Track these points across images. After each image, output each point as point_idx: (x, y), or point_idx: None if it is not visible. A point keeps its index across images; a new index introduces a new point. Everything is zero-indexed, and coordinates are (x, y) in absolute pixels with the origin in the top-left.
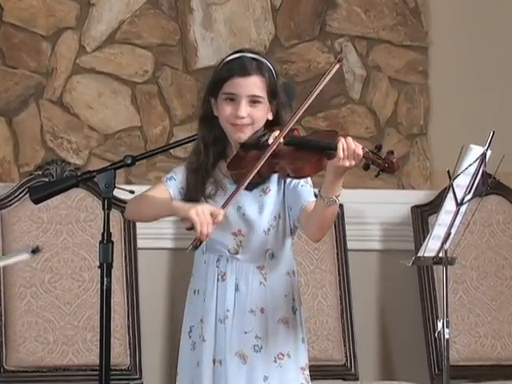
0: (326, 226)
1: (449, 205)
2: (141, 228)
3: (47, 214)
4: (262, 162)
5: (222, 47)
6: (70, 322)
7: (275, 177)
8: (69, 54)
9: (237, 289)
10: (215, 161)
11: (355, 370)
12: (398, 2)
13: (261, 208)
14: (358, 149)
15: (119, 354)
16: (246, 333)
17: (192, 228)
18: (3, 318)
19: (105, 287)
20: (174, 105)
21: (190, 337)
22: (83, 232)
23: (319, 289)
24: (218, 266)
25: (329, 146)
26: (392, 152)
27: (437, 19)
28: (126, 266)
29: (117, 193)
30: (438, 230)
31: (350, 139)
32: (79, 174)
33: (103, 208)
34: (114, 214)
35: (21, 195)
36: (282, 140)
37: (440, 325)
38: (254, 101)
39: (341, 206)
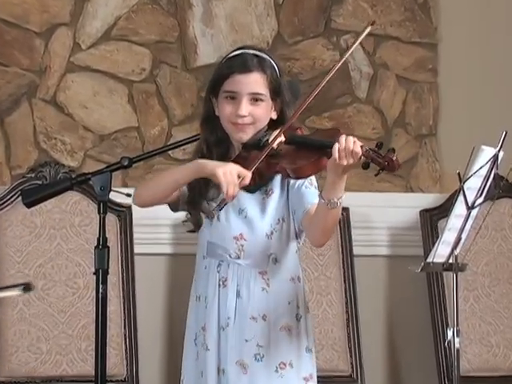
0: (329, 231)
1: (459, 208)
2: (138, 233)
3: (40, 218)
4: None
5: (222, 44)
6: (64, 330)
7: (278, 178)
8: (63, 51)
9: (238, 295)
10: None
11: (362, 382)
12: None
13: (263, 211)
14: (356, 146)
15: (115, 365)
16: (246, 341)
17: (193, 231)
18: None
19: (100, 295)
20: (172, 104)
21: (195, 344)
22: (78, 237)
23: (324, 296)
24: (219, 272)
25: (327, 145)
26: (393, 150)
27: (447, 14)
28: (122, 273)
29: (113, 196)
30: (448, 235)
31: (349, 137)
32: (74, 176)
33: (99, 212)
34: (110, 219)
35: (13, 198)
36: (283, 138)
37: (450, 334)
38: (255, 99)
39: (346, 209)
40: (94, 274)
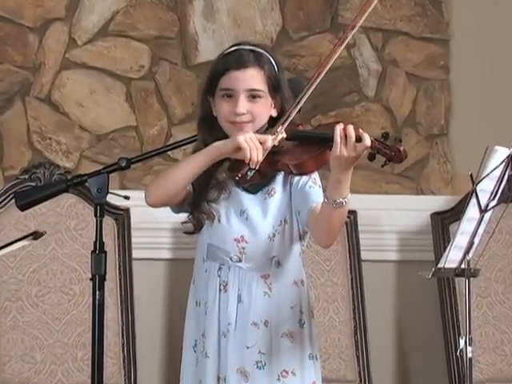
0: (335, 231)
1: (472, 211)
2: (136, 237)
3: (34, 222)
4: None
5: (224, 40)
6: (59, 339)
7: (280, 178)
8: (58, 47)
9: (239, 300)
10: (217, 164)
11: None
12: None
13: (265, 212)
14: (365, 138)
15: (113, 374)
16: (248, 348)
17: (193, 232)
18: None
19: (97, 301)
20: (172, 103)
21: (194, 351)
22: (73, 241)
23: (330, 303)
24: (219, 276)
25: (329, 137)
26: (400, 140)
27: (459, 9)
28: (120, 279)
29: (110, 198)
30: (460, 239)
31: (349, 126)
32: (69, 178)
33: (95, 215)
34: (107, 222)
35: (5, 201)
36: (284, 135)
37: (462, 342)
38: (253, 95)
39: (354, 213)
40: (91, 279)
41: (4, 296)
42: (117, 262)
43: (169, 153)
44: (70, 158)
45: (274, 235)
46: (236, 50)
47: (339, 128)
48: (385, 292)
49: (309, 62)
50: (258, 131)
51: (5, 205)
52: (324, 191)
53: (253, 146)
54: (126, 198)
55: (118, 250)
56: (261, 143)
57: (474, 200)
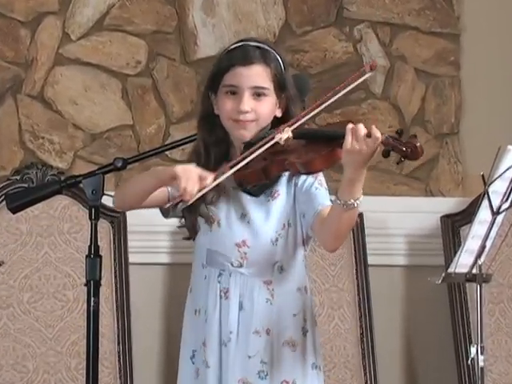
0: (343, 234)
1: (483, 214)
2: (133, 240)
3: (26, 225)
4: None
5: (225, 34)
6: (53, 347)
7: (284, 180)
8: (51, 42)
9: (241, 307)
10: (217, 163)
11: None
12: None
13: (268, 215)
14: (375, 131)
15: None
16: (250, 357)
17: (189, 238)
18: None
19: (92, 308)
20: (170, 100)
21: (193, 363)
22: (67, 245)
23: (336, 310)
24: (219, 282)
25: (340, 134)
26: (415, 136)
27: (470, 2)
28: (115, 284)
29: (105, 200)
30: (472, 243)
31: (359, 123)
32: (63, 179)
33: (90, 218)
34: (103, 225)
35: None
36: (290, 135)
37: (474, 351)
38: (258, 93)
39: (360, 215)
40: (85, 285)
41: None
42: (112, 266)
43: (167, 153)
44: (64, 158)
45: (276, 239)
46: (242, 45)
47: (351, 124)
48: (392, 298)
49: (313, 58)
50: (261, 131)
51: None
52: (332, 193)
53: (189, 177)
54: None
55: (114, 255)
56: (201, 179)
57: (485, 202)
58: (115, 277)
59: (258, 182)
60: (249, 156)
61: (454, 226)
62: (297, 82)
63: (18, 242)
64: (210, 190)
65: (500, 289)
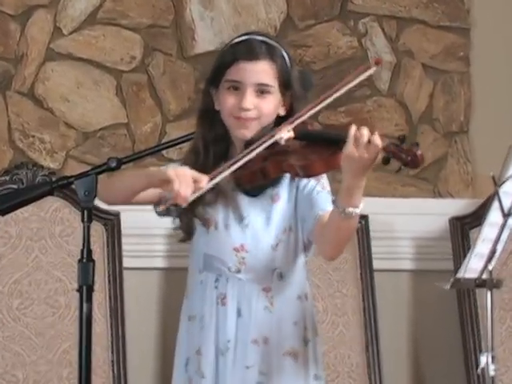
0: (342, 243)
1: (494, 216)
2: (127, 244)
3: (16, 228)
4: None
5: (224, 29)
6: (43, 355)
7: (286, 182)
8: (41, 36)
9: (239, 314)
10: (216, 163)
11: None
12: None
13: (268, 219)
14: (376, 137)
15: None
16: (248, 368)
17: (184, 240)
18: None
19: (84, 314)
20: (166, 97)
21: (186, 371)
22: (59, 249)
23: (340, 316)
24: (216, 288)
25: (342, 138)
26: (417, 144)
27: None
28: (109, 290)
29: (98, 202)
30: (482, 247)
31: (363, 127)
32: (54, 179)
33: (82, 220)
34: (96, 228)
35: None
36: (291, 134)
37: (484, 360)
38: (261, 91)
39: (365, 217)
40: (78, 290)
41: None
42: (106, 271)
43: (163, 152)
44: (55, 157)
45: (277, 244)
46: (247, 39)
47: (354, 128)
48: (399, 304)
49: (316, 53)
50: (263, 130)
51: None
52: (334, 198)
53: (183, 180)
54: None
55: (108, 259)
56: (195, 182)
57: (496, 203)
58: (109, 282)
59: (256, 183)
60: (247, 155)
61: (463, 229)
62: (300, 78)
63: (7, 246)
64: (208, 191)
65: (511, 295)
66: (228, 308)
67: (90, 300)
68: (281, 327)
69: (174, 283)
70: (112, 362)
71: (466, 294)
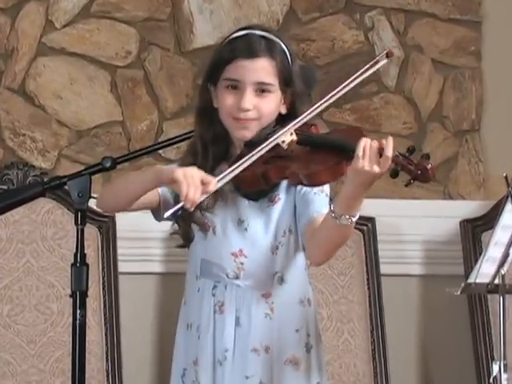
0: (332, 250)
1: (507, 218)
2: (123, 248)
3: (6, 231)
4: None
5: (224, 22)
6: (35, 364)
7: (284, 183)
8: (33, 30)
9: (237, 323)
10: (215, 163)
11: None
12: None
13: (267, 222)
14: (389, 151)
15: None
16: (247, 377)
17: (185, 246)
18: None
19: (78, 321)
20: (163, 94)
21: (183, 382)
22: (51, 253)
23: (345, 324)
24: (214, 295)
25: (349, 147)
26: (428, 156)
27: None
28: (104, 296)
29: (93, 204)
30: (494, 250)
31: (374, 141)
32: (46, 180)
33: (76, 223)
34: (90, 231)
35: None
36: (294, 138)
37: (496, 368)
38: (262, 89)
39: (372, 220)
40: (71, 296)
41: None
42: (100, 276)
43: (160, 152)
44: (47, 157)
45: (277, 248)
46: (245, 34)
47: (364, 140)
48: (407, 311)
49: (320, 48)
50: (264, 129)
51: None
52: (331, 201)
53: (191, 183)
54: None
55: (102, 263)
56: (203, 184)
57: (509, 205)
58: (103, 287)
59: (256, 188)
60: (251, 157)
61: (474, 232)
62: (303, 75)
63: None
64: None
65: None
66: (226, 316)
67: (83, 306)
68: (282, 334)
69: (172, 289)
70: (107, 371)
71: (477, 299)
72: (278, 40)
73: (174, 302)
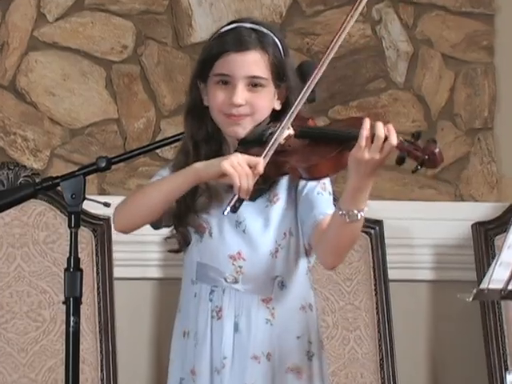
0: (344, 250)
1: None
2: (118, 252)
3: None
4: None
5: (224, 15)
6: (26, 374)
7: (284, 182)
8: (24, 24)
9: (236, 329)
10: None
11: None
12: None
13: (266, 222)
14: (392, 136)
15: None
16: None
17: (178, 251)
18: None
19: (71, 329)
20: (161, 91)
21: None
22: (43, 257)
23: (351, 331)
24: (211, 300)
25: (350, 136)
26: (434, 140)
27: None
28: (99, 302)
29: (87, 206)
30: (508, 255)
31: (379, 124)
32: (38, 181)
33: (69, 225)
34: (84, 234)
35: None
36: (291, 132)
37: (510, 378)
38: (254, 84)
39: (380, 223)
40: (64, 303)
41: None
42: (95, 281)
43: (157, 151)
44: (39, 156)
45: (276, 250)
46: (235, 28)
47: (366, 125)
48: (417, 318)
49: (325, 42)
50: (258, 126)
51: None
52: (336, 200)
53: (241, 171)
54: (106, 205)
55: (97, 268)
56: (250, 167)
57: None
58: (98, 293)
59: (254, 186)
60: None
61: (487, 236)
62: (305, 70)
63: None
64: (200, 195)
65: None
66: (224, 322)
67: (77, 313)
68: (283, 341)
69: (169, 295)
70: (101, 380)
71: (490, 306)
72: (269, 32)
73: (172, 309)
